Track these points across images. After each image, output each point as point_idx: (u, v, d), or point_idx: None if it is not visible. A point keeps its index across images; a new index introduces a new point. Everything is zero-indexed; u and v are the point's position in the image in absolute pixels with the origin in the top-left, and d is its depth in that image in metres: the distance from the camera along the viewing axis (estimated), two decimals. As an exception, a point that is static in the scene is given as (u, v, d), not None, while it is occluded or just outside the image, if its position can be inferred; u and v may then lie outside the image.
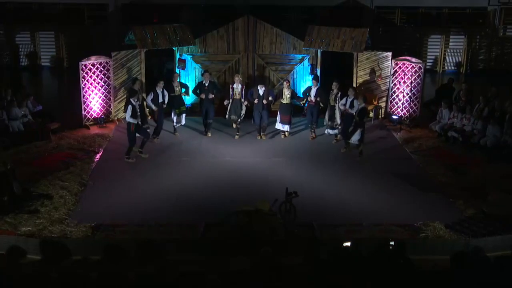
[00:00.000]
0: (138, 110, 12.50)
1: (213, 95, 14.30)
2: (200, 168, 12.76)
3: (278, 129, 14.64)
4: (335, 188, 11.79)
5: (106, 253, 6.54)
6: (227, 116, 14.52)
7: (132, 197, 11.23)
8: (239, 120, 14.45)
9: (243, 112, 14.39)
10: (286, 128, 14.55)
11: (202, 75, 14.85)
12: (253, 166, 12.84)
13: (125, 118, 13.30)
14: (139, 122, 12.71)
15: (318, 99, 14.24)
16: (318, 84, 14.37)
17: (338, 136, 14.22)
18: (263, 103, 14.13)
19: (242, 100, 14.32)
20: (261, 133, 14.55)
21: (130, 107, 12.42)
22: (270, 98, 14.26)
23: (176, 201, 11.09)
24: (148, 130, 13.46)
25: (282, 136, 14.61)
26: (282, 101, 14.47)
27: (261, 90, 14.17)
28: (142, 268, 6.17)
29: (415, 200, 11.23)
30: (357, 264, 6.61)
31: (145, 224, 10.06)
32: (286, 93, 14.26)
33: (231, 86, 14.46)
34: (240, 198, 10.85)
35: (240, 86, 14.29)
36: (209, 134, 14.64)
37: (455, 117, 14.83)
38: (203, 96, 14.26)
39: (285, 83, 14.46)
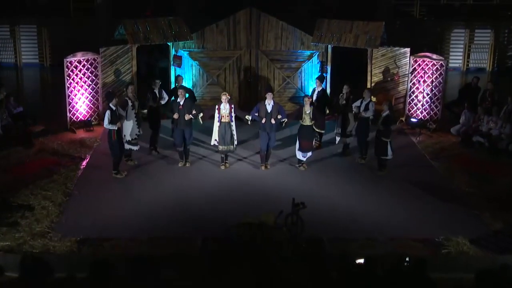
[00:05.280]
0: (118, 115, 12.31)
1: (190, 116, 12.77)
2: (198, 176, 12.79)
3: (298, 160, 13.11)
4: (347, 198, 11.80)
5: (92, 270, 6.57)
6: (213, 143, 13.04)
7: (122, 208, 11.26)
8: (233, 149, 13.08)
9: (235, 138, 12.91)
10: (308, 156, 13.07)
11: (176, 91, 13.49)
12: (255, 174, 12.87)
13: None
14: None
15: (316, 103, 13.80)
16: (323, 84, 14.32)
17: (349, 148, 13.95)
18: (271, 122, 12.77)
19: (232, 123, 12.82)
20: (266, 162, 13.14)
21: (108, 112, 12.22)
22: (279, 117, 12.77)
23: (171, 212, 11.12)
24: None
25: (301, 168, 13.10)
26: (301, 122, 12.92)
27: (269, 105, 12.75)
28: (133, 287, 6.20)
29: (436, 212, 11.23)
30: (371, 283, 6.63)
31: (137, 238, 10.08)
32: (307, 111, 12.75)
33: (217, 107, 12.81)
34: (242, 210, 10.88)
35: (228, 106, 12.71)
36: (188, 164, 13.24)
37: (481, 120, 14.84)
38: (176, 116, 12.81)
39: (306, 99, 13.00)
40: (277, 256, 8.76)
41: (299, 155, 13.01)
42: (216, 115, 12.80)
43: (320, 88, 14.35)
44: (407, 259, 7.30)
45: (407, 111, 16.16)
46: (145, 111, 13.59)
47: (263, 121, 12.71)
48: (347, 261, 7.63)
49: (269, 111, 12.74)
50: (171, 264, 8.57)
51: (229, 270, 8.18)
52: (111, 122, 12.15)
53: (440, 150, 14.45)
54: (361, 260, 7.63)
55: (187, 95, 14.59)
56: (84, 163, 13.35)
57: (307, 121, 12.77)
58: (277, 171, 13.04)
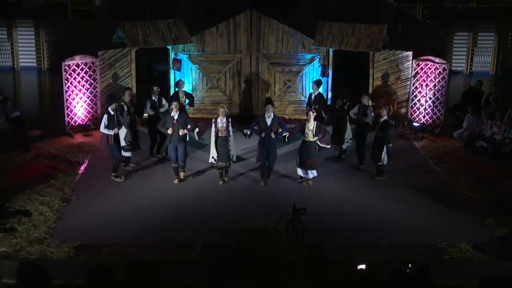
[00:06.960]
0: (116, 120, 12.29)
1: (185, 131, 12.26)
2: (198, 182, 12.79)
3: (300, 176, 12.62)
4: (349, 204, 11.81)
5: (91, 276, 6.57)
6: (210, 161, 12.60)
7: (121, 214, 11.26)
8: (229, 165, 12.62)
9: (232, 153, 12.57)
10: (311, 174, 12.47)
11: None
12: (256, 180, 12.84)
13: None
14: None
15: (317, 107, 13.66)
16: (323, 89, 14.35)
17: (345, 154, 13.89)
18: (271, 137, 12.29)
19: (229, 138, 12.39)
20: (266, 177, 12.62)
21: (105, 116, 12.20)
22: (279, 130, 12.26)
23: (171, 218, 11.12)
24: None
25: (305, 184, 12.59)
26: (304, 138, 12.39)
27: (268, 118, 12.25)
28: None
29: (439, 218, 11.23)
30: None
31: (136, 244, 10.08)
32: (311, 127, 12.23)
33: (213, 120, 12.45)
34: (242, 216, 10.91)
35: (225, 119, 12.29)
36: (182, 175, 12.70)
37: (484, 124, 14.85)
38: (170, 131, 12.23)
39: (310, 113, 12.40)
40: (278, 262, 8.76)
41: (299, 171, 12.53)
42: (213, 129, 12.42)
43: (317, 93, 14.30)
44: (410, 265, 7.30)
45: (409, 116, 16.18)
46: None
47: (263, 135, 12.25)
48: (350, 267, 7.64)
49: (268, 125, 12.23)
50: (170, 270, 8.58)
51: (229, 276, 8.18)
52: (107, 126, 12.14)
53: (443, 154, 14.45)
54: (363, 266, 7.63)
55: (187, 100, 14.63)
56: (82, 168, 13.35)
57: (309, 137, 12.23)
58: (277, 178, 13.01)
